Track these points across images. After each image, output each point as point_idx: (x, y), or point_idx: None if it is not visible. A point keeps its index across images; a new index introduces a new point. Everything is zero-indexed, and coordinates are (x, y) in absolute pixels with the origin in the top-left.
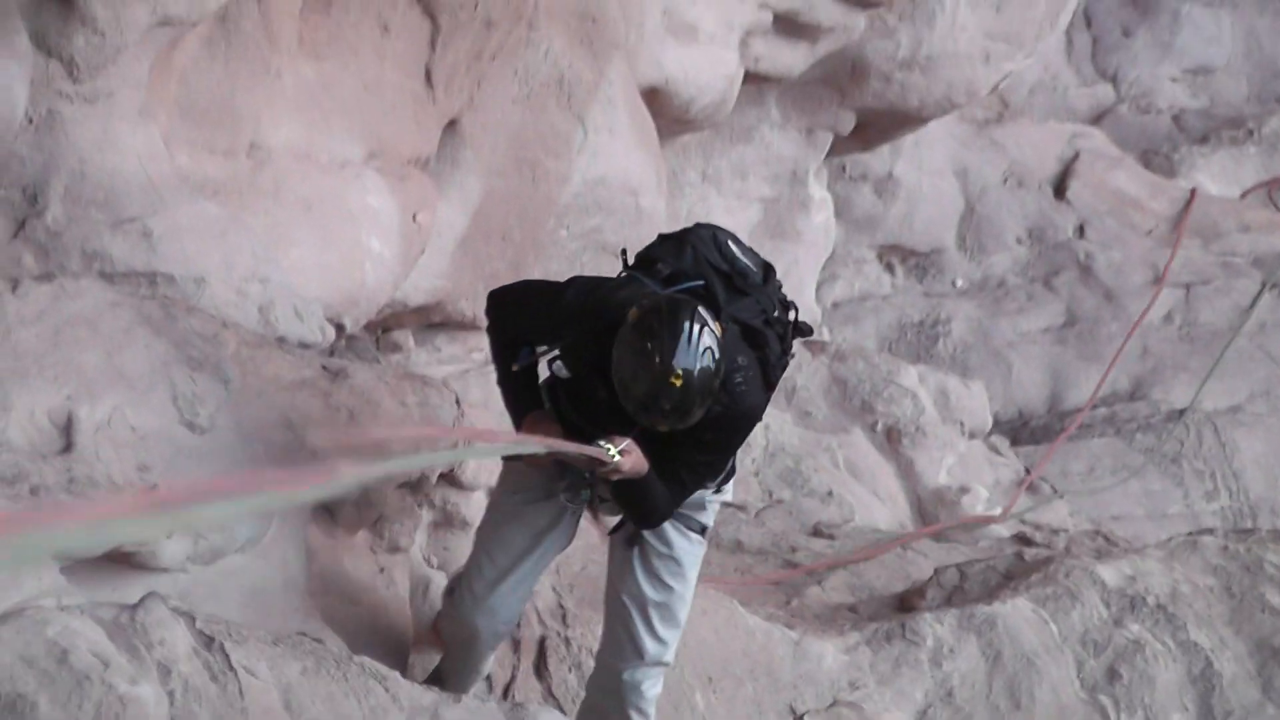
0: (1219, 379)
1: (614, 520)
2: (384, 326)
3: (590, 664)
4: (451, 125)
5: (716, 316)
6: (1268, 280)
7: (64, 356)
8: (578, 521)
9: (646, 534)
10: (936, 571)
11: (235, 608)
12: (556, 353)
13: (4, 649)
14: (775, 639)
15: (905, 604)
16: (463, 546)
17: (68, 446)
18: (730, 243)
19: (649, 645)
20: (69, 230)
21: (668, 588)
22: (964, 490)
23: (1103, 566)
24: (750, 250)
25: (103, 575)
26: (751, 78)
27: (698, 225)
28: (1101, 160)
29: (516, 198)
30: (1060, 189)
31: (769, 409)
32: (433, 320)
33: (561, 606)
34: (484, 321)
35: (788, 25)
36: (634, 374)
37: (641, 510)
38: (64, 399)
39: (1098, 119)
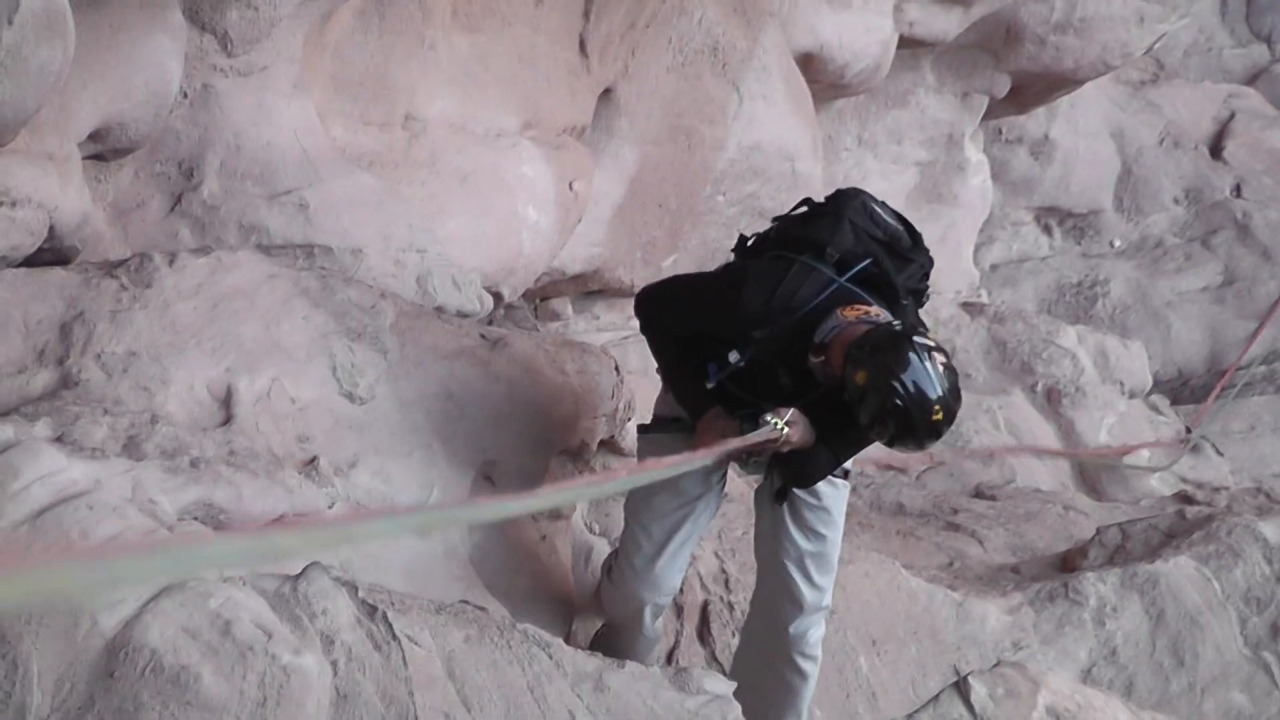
0: None
1: (760, 478)
2: (542, 295)
3: None
4: (606, 94)
5: (892, 290)
6: None
7: (222, 329)
8: (724, 489)
9: (797, 490)
10: (1098, 531)
11: (397, 577)
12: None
13: (167, 621)
14: (938, 601)
15: (1068, 564)
16: (617, 509)
17: (227, 419)
18: (879, 209)
19: (808, 595)
20: (226, 204)
21: (821, 536)
22: (1125, 450)
23: (1265, 523)
24: (894, 211)
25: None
26: (906, 42)
27: (846, 194)
28: (1258, 120)
29: (672, 165)
30: (1216, 149)
31: None
32: (590, 288)
33: (724, 571)
34: (630, 273)
35: None
36: (895, 413)
37: (802, 473)
38: (223, 371)
39: (1253, 79)
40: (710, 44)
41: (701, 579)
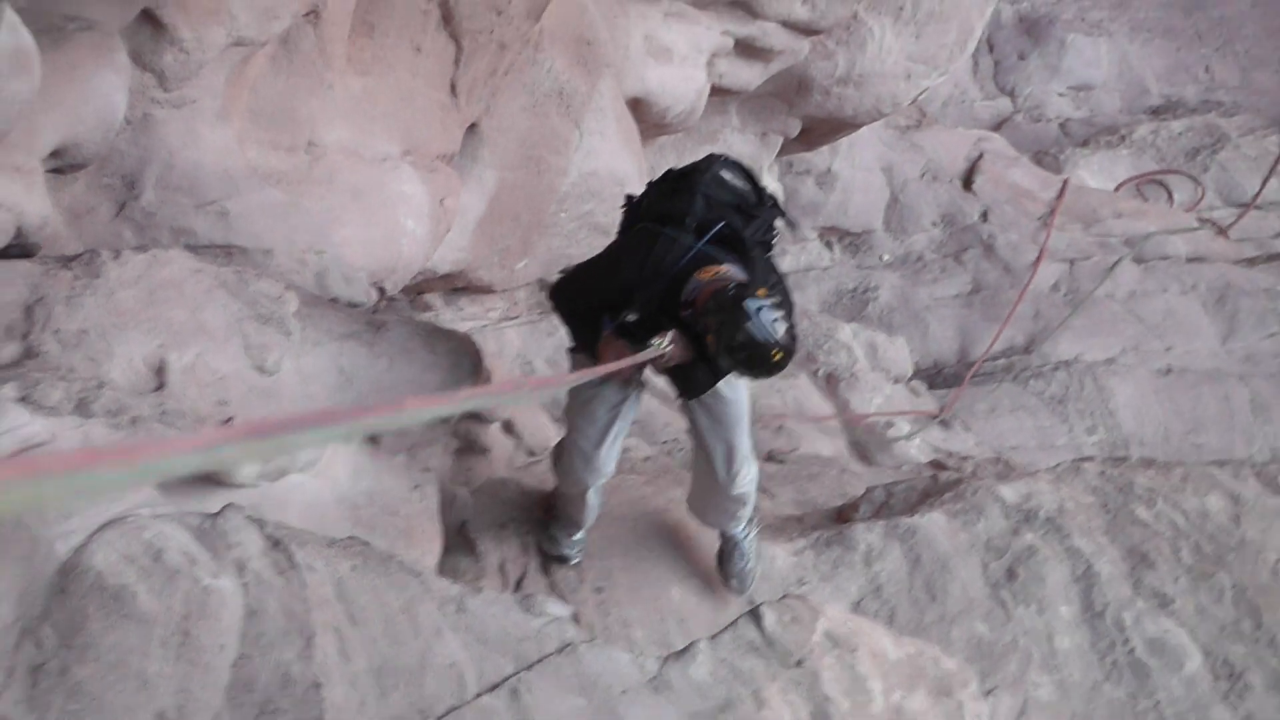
0: (1097, 335)
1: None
2: (418, 290)
3: (605, 564)
4: (472, 128)
5: (742, 245)
6: (1125, 255)
7: (157, 313)
8: (640, 395)
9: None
10: (868, 490)
11: (297, 517)
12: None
13: (110, 549)
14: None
15: (842, 516)
16: (481, 467)
17: (160, 386)
18: (728, 174)
19: (731, 454)
20: (160, 211)
21: (725, 417)
22: (889, 424)
23: (1003, 486)
24: (742, 170)
25: (189, 490)
26: (716, 91)
27: (700, 166)
28: (1001, 159)
29: (524, 187)
30: (968, 182)
31: None
32: (457, 285)
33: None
34: (499, 287)
35: (746, 49)
36: (741, 359)
37: (689, 387)
38: (157, 347)
39: (998, 126)
40: (557, 89)
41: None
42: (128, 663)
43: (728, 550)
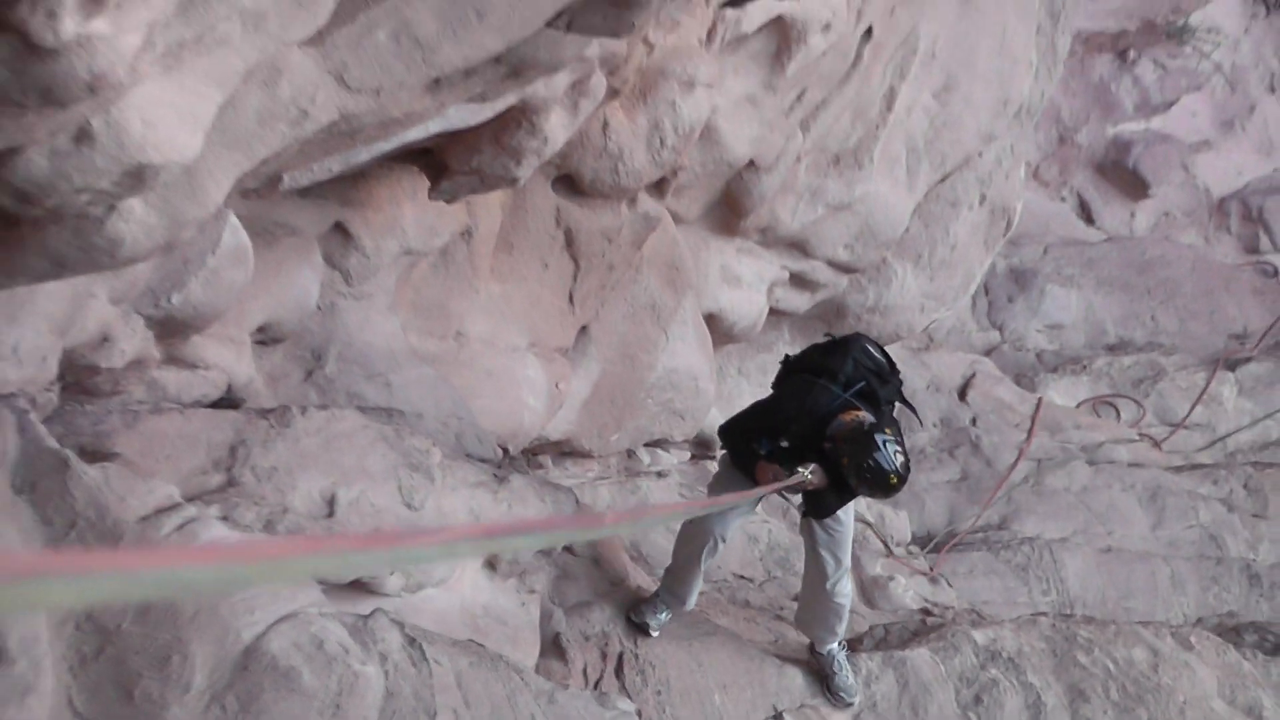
0: (1055, 519)
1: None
2: (533, 452)
3: (664, 673)
4: (583, 329)
5: (876, 400)
6: (1080, 459)
7: (331, 457)
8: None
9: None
10: (871, 627)
11: (429, 621)
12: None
13: (283, 637)
14: (767, 664)
15: (850, 646)
16: (572, 590)
17: (330, 514)
18: (871, 348)
19: (834, 566)
20: (339, 378)
21: (836, 535)
22: (890, 578)
23: (975, 631)
24: (881, 348)
25: (346, 595)
26: (773, 312)
27: (851, 339)
28: (989, 378)
29: (621, 377)
30: (962, 394)
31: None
32: (563, 450)
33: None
34: (596, 453)
35: (798, 280)
36: (867, 480)
37: (819, 508)
38: (330, 483)
39: (988, 352)
40: (651, 302)
41: (620, 637)
42: None
43: (827, 671)
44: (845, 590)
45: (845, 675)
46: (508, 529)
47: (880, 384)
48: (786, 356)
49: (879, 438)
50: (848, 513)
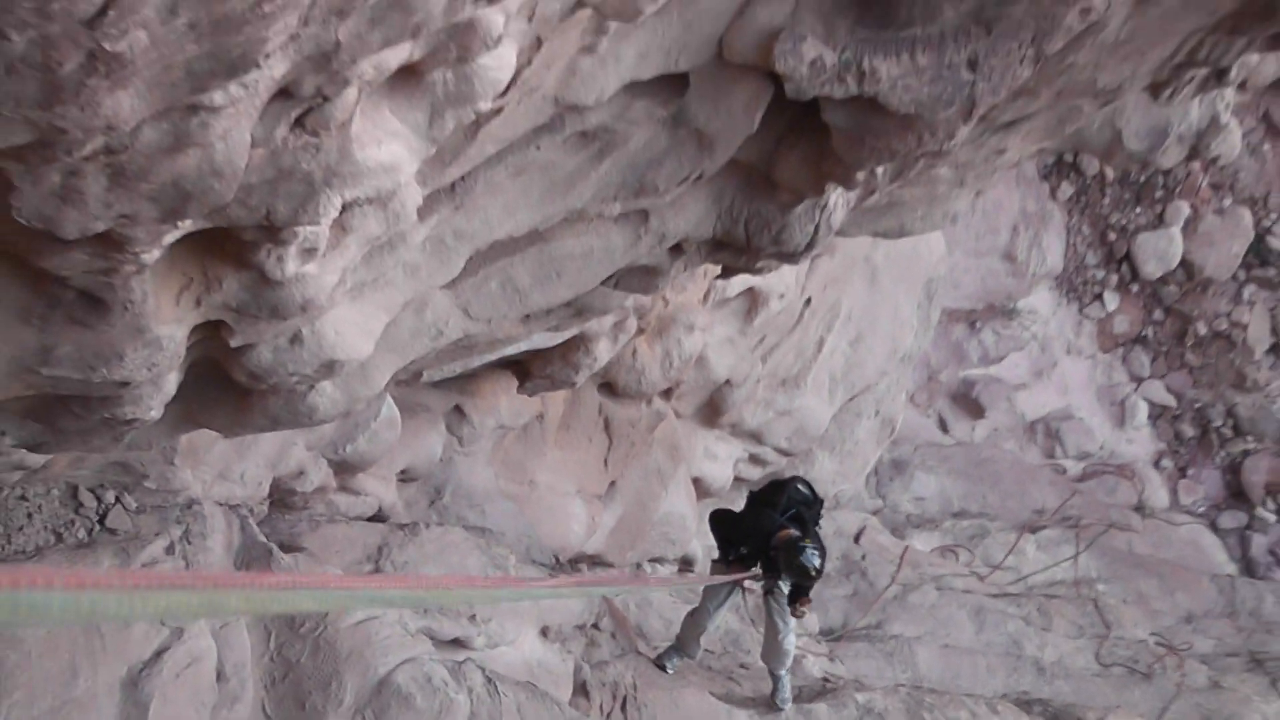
0: (912, 624)
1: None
2: (575, 561)
3: (653, 710)
4: (613, 484)
5: (803, 522)
6: (931, 584)
7: (444, 557)
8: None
9: (778, 599)
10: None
11: (501, 667)
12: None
13: (405, 673)
14: (720, 707)
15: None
16: (596, 653)
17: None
18: (801, 486)
19: (782, 624)
20: (451, 507)
21: (784, 599)
22: (803, 656)
23: (858, 694)
24: (809, 485)
25: (448, 648)
26: (736, 478)
27: (792, 478)
28: (875, 530)
29: (635, 517)
30: (857, 539)
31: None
32: (595, 561)
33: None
34: (617, 564)
35: (754, 459)
36: (796, 570)
37: (771, 584)
38: (443, 572)
39: (876, 513)
40: (657, 468)
41: (627, 686)
42: None
43: (776, 687)
44: (790, 641)
45: (784, 690)
46: (577, 582)
47: (807, 510)
48: (750, 491)
49: (803, 546)
50: (784, 594)
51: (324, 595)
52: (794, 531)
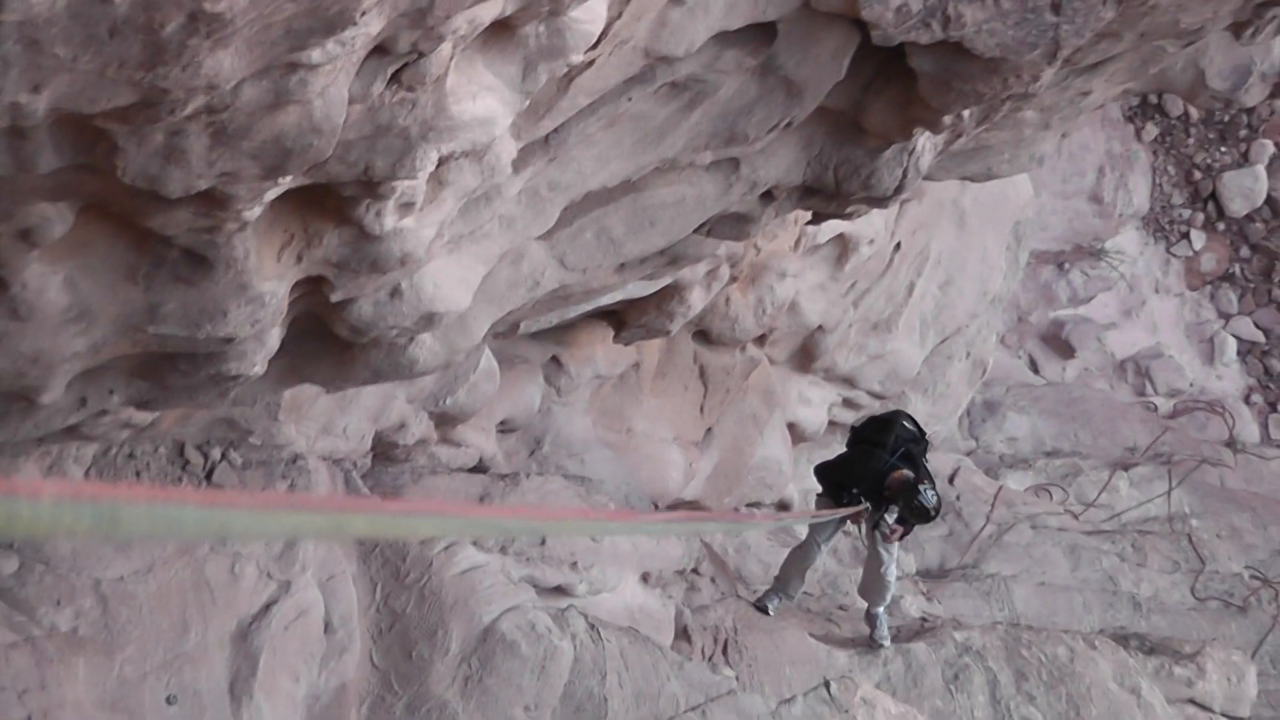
0: (1008, 563)
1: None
2: (673, 507)
3: (753, 653)
4: (709, 430)
5: (914, 460)
6: (1027, 522)
7: (545, 503)
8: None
9: (882, 528)
10: (893, 629)
11: (604, 613)
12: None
13: (509, 621)
14: (820, 648)
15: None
16: (696, 597)
17: (543, 543)
18: (907, 422)
19: (886, 556)
20: (550, 456)
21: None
22: (901, 597)
23: (955, 632)
24: (914, 420)
25: (551, 595)
26: (831, 423)
27: (893, 416)
28: (969, 471)
29: (732, 462)
30: (951, 480)
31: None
32: (694, 506)
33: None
34: (713, 508)
35: (848, 403)
36: (916, 511)
37: (878, 523)
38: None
39: (969, 454)
40: (752, 414)
41: (728, 629)
42: (512, 680)
43: (873, 625)
44: (892, 574)
45: (882, 628)
46: (686, 516)
47: (915, 447)
48: (852, 426)
49: (921, 488)
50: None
51: (443, 521)
52: (908, 473)
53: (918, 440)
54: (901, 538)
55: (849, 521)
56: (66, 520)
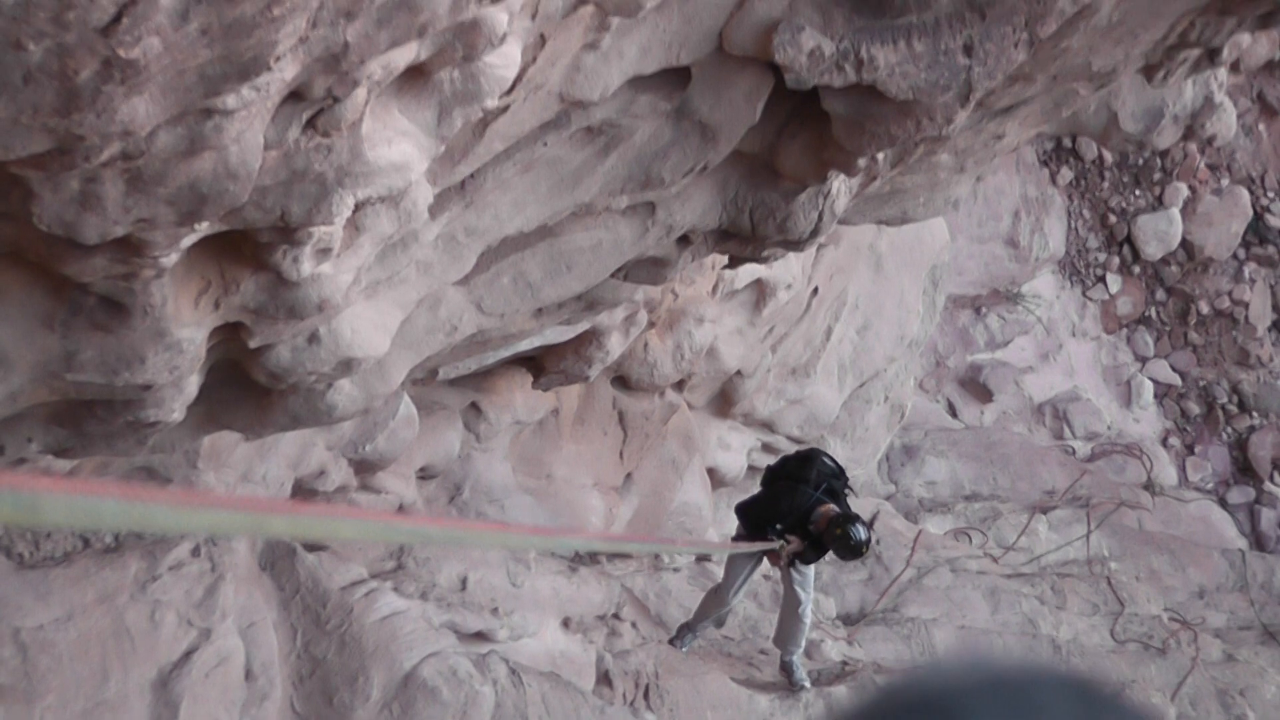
0: (928, 606)
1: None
2: (594, 554)
3: (675, 697)
4: (629, 475)
5: (836, 495)
6: (946, 566)
7: (465, 552)
8: (759, 564)
9: (797, 564)
10: (809, 672)
11: (524, 659)
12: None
13: (431, 666)
14: (741, 691)
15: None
16: (617, 642)
17: (463, 589)
18: (826, 459)
19: (802, 595)
20: (471, 502)
21: (806, 575)
22: (822, 640)
23: (876, 676)
24: (831, 457)
25: (472, 640)
26: (750, 468)
27: (813, 452)
28: (888, 514)
29: (652, 507)
30: (870, 525)
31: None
32: (614, 554)
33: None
34: (635, 556)
35: (767, 448)
36: (848, 548)
37: (804, 559)
38: (464, 569)
39: (888, 498)
40: (672, 459)
41: (648, 674)
42: None
43: (790, 672)
44: (808, 615)
45: (799, 672)
46: (605, 536)
47: (836, 482)
48: (768, 467)
49: (849, 522)
50: (810, 570)
51: (364, 526)
52: (834, 507)
53: (838, 475)
54: (809, 561)
55: (767, 562)
56: None
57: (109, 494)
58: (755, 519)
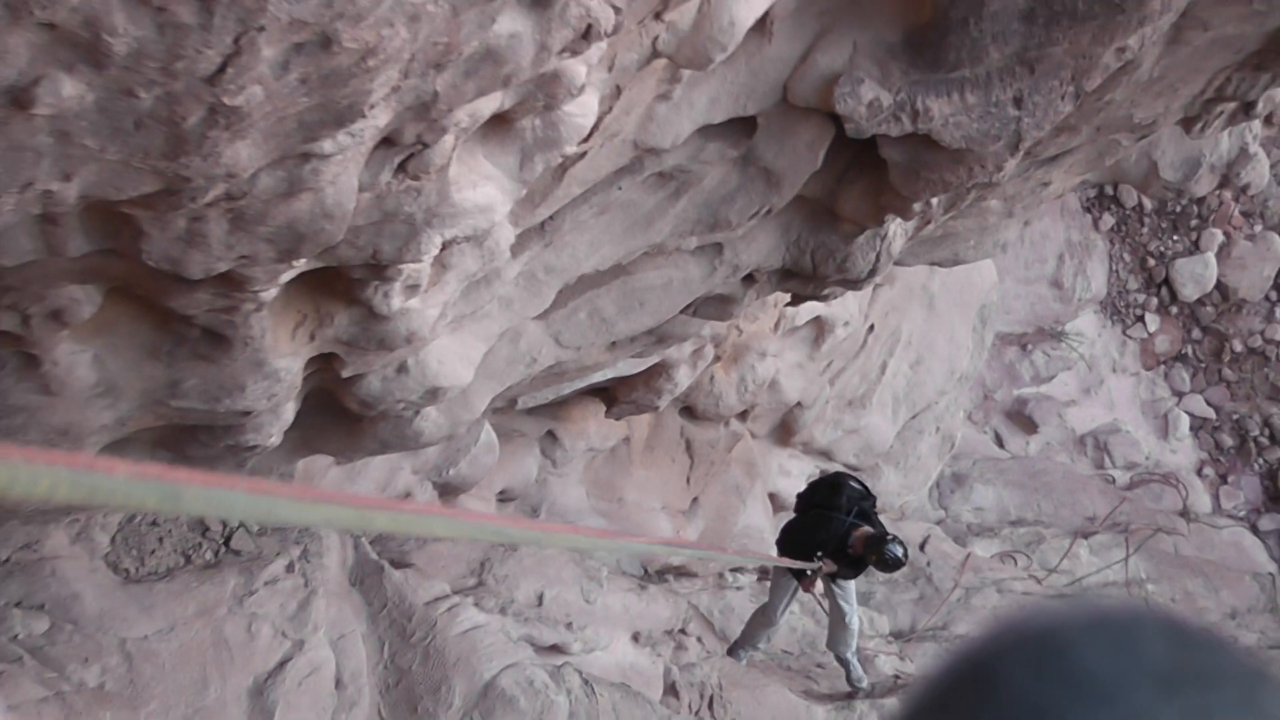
0: (977, 625)
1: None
2: (662, 572)
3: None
4: (695, 500)
5: (868, 516)
6: (992, 586)
7: (541, 570)
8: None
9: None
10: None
11: (597, 670)
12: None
13: (508, 677)
14: (800, 705)
15: (850, 696)
16: (683, 656)
17: (540, 604)
18: (853, 483)
19: (846, 608)
20: (549, 522)
21: (847, 589)
22: (875, 655)
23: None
24: (857, 479)
25: (548, 653)
26: None
27: (839, 477)
28: (938, 538)
29: (715, 529)
30: (922, 547)
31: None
32: (681, 572)
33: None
34: (699, 574)
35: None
36: (887, 564)
37: (841, 575)
38: (540, 586)
39: (939, 523)
40: (735, 485)
41: (713, 685)
42: None
43: (847, 670)
44: (854, 622)
45: (857, 669)
46: (665, 541)
47: (866, 504)
48: (799, 494)
49: (887, 541)
50: (851, 585)
51: (455, 524)
52: (869, 529)
53: (866, 496)
54: (850, 577)
55: (806, 588)
56: (138, 495)
57: (238, 487)
58: (795, 548)
